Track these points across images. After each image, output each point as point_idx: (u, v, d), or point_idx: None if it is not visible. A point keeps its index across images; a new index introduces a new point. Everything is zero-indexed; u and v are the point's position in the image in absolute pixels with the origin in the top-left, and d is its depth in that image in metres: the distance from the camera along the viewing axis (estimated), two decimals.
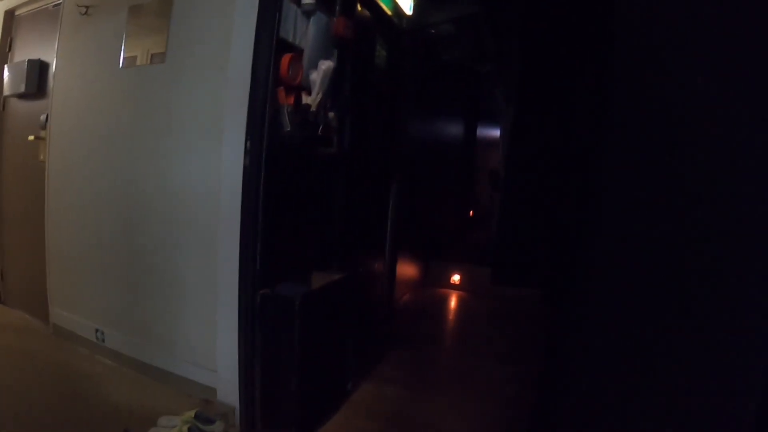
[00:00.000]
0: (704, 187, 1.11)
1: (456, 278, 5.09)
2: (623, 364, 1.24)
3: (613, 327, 1.26)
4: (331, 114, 2.45)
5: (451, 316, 4.44)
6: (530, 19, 3.15)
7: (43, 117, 3.20)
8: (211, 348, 2.43)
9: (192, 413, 2.13)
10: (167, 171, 2.57)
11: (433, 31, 3.62)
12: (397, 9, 3.44)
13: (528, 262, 2.68)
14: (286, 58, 2.17)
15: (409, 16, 3.55)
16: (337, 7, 2.54)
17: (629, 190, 1.30)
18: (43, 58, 3.32)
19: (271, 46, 2.15)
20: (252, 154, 2.11)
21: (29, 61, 3.31)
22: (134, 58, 2.75)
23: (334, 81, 2.40)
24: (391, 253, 3.69)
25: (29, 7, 3.56)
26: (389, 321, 3.79)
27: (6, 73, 3.49)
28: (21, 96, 3.39)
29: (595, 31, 2.18)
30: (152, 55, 2.68)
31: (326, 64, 2.27)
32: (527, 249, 2.56)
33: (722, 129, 1.07)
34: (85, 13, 3.03)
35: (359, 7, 2.87)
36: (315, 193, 2.53)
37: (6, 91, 3.49)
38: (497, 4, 3.26)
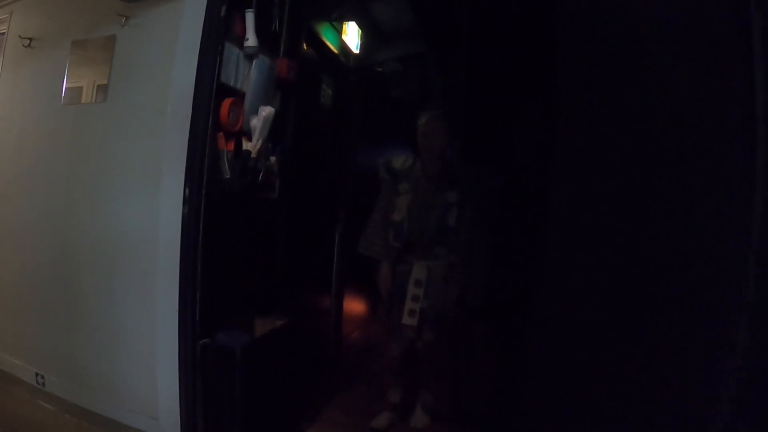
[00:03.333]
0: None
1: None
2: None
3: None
4: (272, 158, 2.42)
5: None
6: (475, 59, 3.21)
7: None
8: (153, 395, 2.36)
9: None
10: (106, 215, 2.51)
11: (379, 69, 3.63)
12: (343, 47, 3.44)
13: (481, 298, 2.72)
14: (226, 103, 2.14)
15: (355, 54, 3.57)
16: (281, 49, 2.52)
17: (575, 230, 1.38)
18: None
19: (211, 90, 2.12)
20: (191, 202, 2.06)
21: None
22: (76, 91, 2.68)
23: (277, 125, 2.37)
24: (338, 291, 3.70)
25: None
26: (337, 361, 3.76)
27: None
28: None
29: (539, 67, 2.28)
30: (96, 88, 2.62)
31: (267, 111, 2.24)
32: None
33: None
34: (28, 45, 2.95)
35: (304, 47, 2.86)
36: (256, 238, 2.50)
37: None
38: (442, 44, 3.30)
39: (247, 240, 2.41)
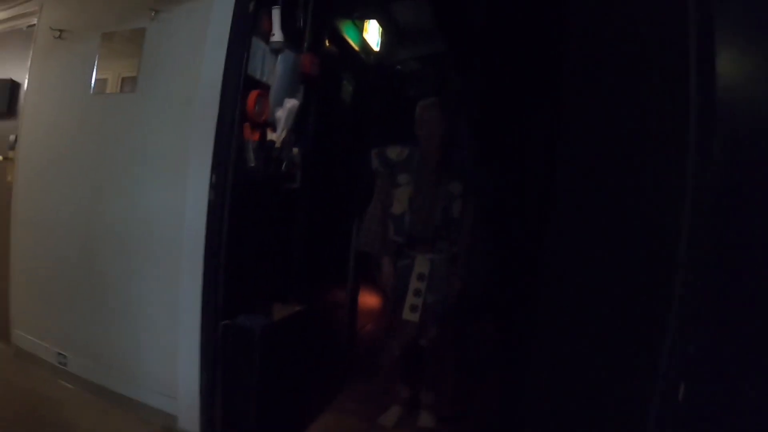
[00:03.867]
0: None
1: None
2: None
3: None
4: (295, 150, 2.52)
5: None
6: (490, 58, 3.29)
7: (12, 137, 3.21)
8: (173, 375, 2.45)
9: None
10: (132, 200, 2.61)
11: (399, 67, 3.73)
12: (364, 45, 3.53)
13: (483, 293, 2.77)
14: (252, 95, 2.23)
15: (376, 52, 3.66)
16: (305, 45, 2.61)
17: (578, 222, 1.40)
18: (14, 77, 3.33)
19: (238, 82, 2.21)
20: (217, 188, 2.15)
21: (1, 80, 3.31)
22: (105, 81, 2.79)
23: (300, 118, 2.46)
24: (354, 283, 3.76)
25: (3, 26, 3.56)
26: (350, 351, 3.83)
27: None
28: None
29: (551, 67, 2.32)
30: (123, 80, 2.72)
31: (291, 103, 2.33)
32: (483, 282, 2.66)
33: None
34: (59, 36, 3.05)
35: (327, 43, 2.95)
36: (277, 227, 2.59)
37: None
38: (459, 45, 3.39)
39: (269, 228, 2.50)
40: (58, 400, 2.73)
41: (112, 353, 2.72)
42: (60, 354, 2.92)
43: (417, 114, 2.63)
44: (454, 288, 2.60)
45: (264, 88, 2.34)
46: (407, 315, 2.56)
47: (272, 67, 2.39)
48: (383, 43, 3.68)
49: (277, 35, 2.36)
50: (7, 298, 3.19)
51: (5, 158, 3.24)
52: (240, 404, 2.26)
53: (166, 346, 2.47)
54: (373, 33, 3.62)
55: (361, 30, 3.51)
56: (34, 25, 3.29)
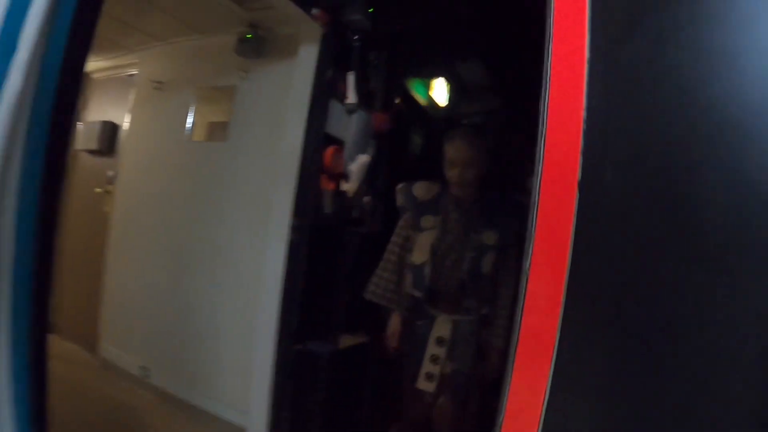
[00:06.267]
0: None
1: None
2: None
3: None
4: (366, 198, 2.84)
5: None
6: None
7: (110, 173, 3.66)
8: (245, 392, 2.75)
9: None
10: (219, 235, 2.98)
11: (464, 122, 3.95)
12: (431, 101, 3.84)
13: None
14: (329, 151, 2.58)
15: (442, 107, 3.94)
16: (377, 104, 2.95)
17: None
18: (114, 120, 3.79)
19: (318, 139, 2.56)
20: (297, 230, 2.49)
21: (103, 122, 3.78)
22: (199, 130, 3.21)
23: (371, 169, 2.79)
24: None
25: (105, 73, 4.05)
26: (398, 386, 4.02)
27: (80, 130, 3.97)
28: (92, 152, 3.85)
29: None
30: (213, 129, 3.13)
31: (363, 158, 2.67)
32: None
33: None
34: (157, 87, 3.50)
35: (397, 101, 3.27)
36: (348, 266, 2.88)
37: (78, 146, 3.96)
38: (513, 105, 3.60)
39: (340, 266, 2.82)
40: (139, 409, 3.06)
41: (191, 369, 3.06)
42: (143, 367, 3.28)
43: (446, 144, 2.23)
44: (480, 359, 2.19)
45: (339, 144, 2.68)
46: (422, 384, 2.17)
47: (347, 125, 2.73)
48: (450, 100, 3.96)
49: (351, 98, 2.70)
50: (97, 314, 3.60)
51: (104, 191, 3.69)
52: (305, 421, 2.56)
53: (242, 366, 2.79)
54: (440, 90, 3.87)
55: (428, 87, 3.80)
56: (134, 74, 3.77)
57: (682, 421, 0.79)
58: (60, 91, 1.37)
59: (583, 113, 0.82)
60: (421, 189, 2.33)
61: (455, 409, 2.23)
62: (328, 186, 2.60)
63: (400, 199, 2.36)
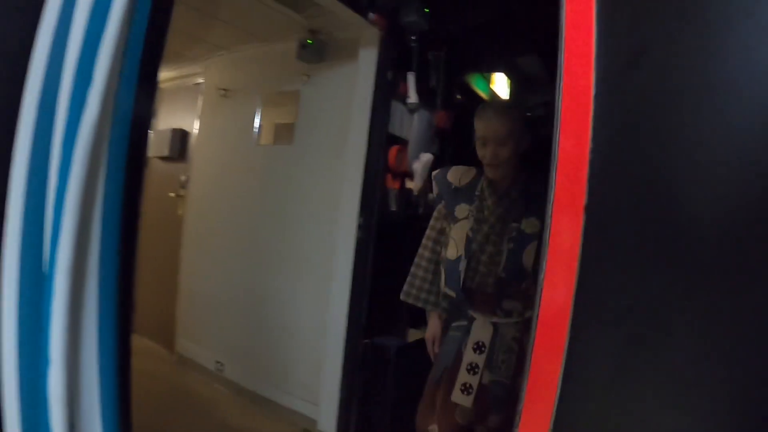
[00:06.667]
0: None
1: None
2: None
3: None
4: (430, 195, 2.90)
5: None
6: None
7: (183, 177, 3.85)
8: (315, 384, 2.87)
9: None
10: (289, 234, 3.10)
11: (529, 114, 3.93)
12: (493, 95, 3.86)
13: None
14: (393, 150, 2.65)
15: (505, 100, 3.95)
16: (438, 103, 3.01)
17: None
18: (184, 127, 3.99)
19: (381, 139, 2.64)
20: (364, 228, 2.58)
21: (173, 129, 3.99)
22: (266, 134, 3.36)
23: (435, 167, 2.84)
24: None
25: (172, 83, 4.26)
26: None
27: (152, 138, 4.18)
28: (164, 158, 4.06)
29: None
30: (283, 132, 3.26)
31: (426, 157, 2.73)
32: None
33: None
34: (224, 94, 3.67)
35: (458, 97, 3.30)
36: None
37: (151, 153, 4.18)
38: None
39: (407, 262, 2.89)
40: (213, 400, 3.24)
41: (264, 363, 3.20)
42: (218, 362, 3.45)
43: (477, 120, 1.91)
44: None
45: (403, 143, 2.75)
46: (457, 397, 1.87)
47: (410, 124, 2.80)
48: (512, 92, 3.97)
49: (412, 97, 2.77)
50: (174, 312, 3.80)
51: (177, 195, 3.89)
52: (373, 411, 2.64)
53: (313, 359, 2.91)
54: (500, 83, 3.90)
55: (489, 82, 3.82)
56: (201, 83, 3.95)
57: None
58: (136, 105, 1.49)
59: (589, 143, 0.87)
60: (456, 174, 2.04)
61: (499, 426, 1.89)
62: (393, 185, 2.68)
63: (435, 187, 2.11)
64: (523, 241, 1.83)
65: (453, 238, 1.95)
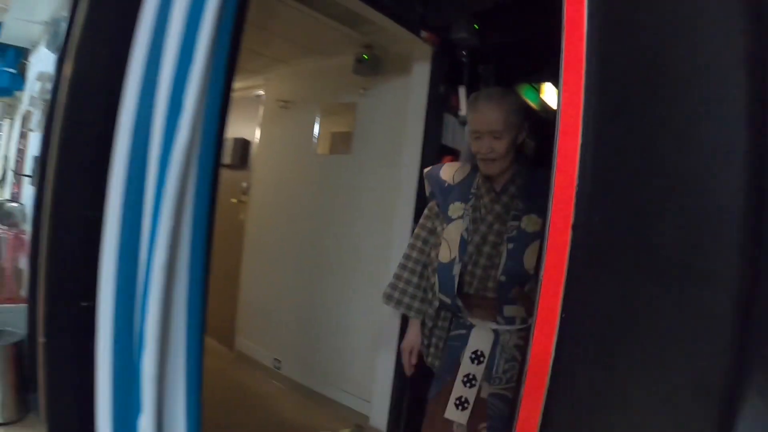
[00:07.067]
0: None
1: None
2: None
3: None
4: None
5: None
6: None
7: (244, 184, 4.08)
8: (368, 381, 3.01)
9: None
10: (344, 239, 3.27)
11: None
12: (543, 104, 3.94)
13: None
14: (446, 160, 2.77)
15: (554, 110, 3.96)
16: None
17: None
18: (246, 136, 4.22)
19: (434, 150, 2.77)
20: None
21: (235, 138, 4.22)
22: (324, 144, 3.55)
23: None
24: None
25: (235, 94, 4.47)
26: None
27: None
28: (227, 166, 4.30)
29: None
30: (341, 142, 3.44)
31: None
32: None
33: None
34: (283, 106, 3.87)
35: None
36: None
37: None
38: None
39: None
40: (270, 395, 3.44)
41: (319, 361, 3.37)
42: (275, 359, 3.65)
43: (468, 111, 1.81)
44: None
45: (455, 154, 2.87)
46: (451, 413, 1.70)
47: (461, 136, 2.92)
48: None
49: (463, 110, 2.88)
50: (234, 312, 4.03)
51: (239, 201, 4.12)
52: (423, 410, 2.76)
53: (366, 358, 3.06)
54: (550, 93, 3.95)
55: (539, 91, 3.90)
56: (261, 95, 4.18)
57: None
58: (218, 123, 1.67)
59: (576, 176, 1.00)
60: (450, 170, 1.90)
61: None
62: None
63: (427, 186, 1.97)
64: (524, 240, 1.65)
65: (446, 240, 1.78)
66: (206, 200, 1.69)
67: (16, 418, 2.56)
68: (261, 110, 4.13)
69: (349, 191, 3.27)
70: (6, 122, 5.57)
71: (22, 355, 2.61)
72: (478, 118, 1.69)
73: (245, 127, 4.23)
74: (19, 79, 4.78)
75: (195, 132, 1.54)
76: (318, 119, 3.60)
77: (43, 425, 1.82)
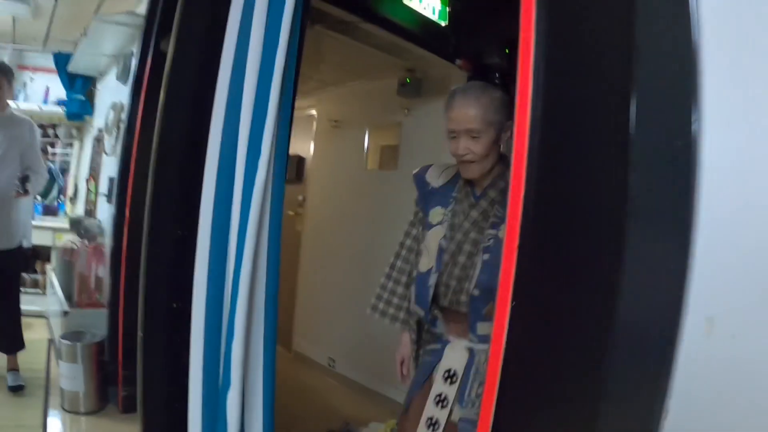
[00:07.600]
0: None
1: None
2: None
3: None
4: None
5: None
6: None
7: (300, 197, 4.42)
8: None
9: (394, 422, 2.81)
10: (391, 247, 3.38)
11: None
12: None
13: None
14: None
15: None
16: None
17: None
18: (301, 153, 4.56)
19: None
20: None
21: (291, 155, 4.57)
22: (373, 160, 3.85)
23: None
24: None
25: None
26: None
27: None
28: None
29: None
30: (389, 159, 3.72)
31: None
32: None
33: None
34: (334, 125, 4.20)
35: None
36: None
37: None
38: None
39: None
40: (326, 391, 3.73)
41: (372, 359, 3.62)
42: (330, 358, 3.95)
43: (446, 110, 1.64)
44: None
45: None
46: None
47: None
48: None
49: None
50: (292, 315, 4.36)
51: (296, 213, 4.47)
52: None
53: None
54: None
55: None
56: (314, 114, 4.51)
57: None
58: (287, 142, 1.96)
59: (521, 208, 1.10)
60: (435, 172, 1.78)
61: None
62: None
63: (416, 189, 1.87)
64: (501, 251, 1.32)
65: (426, 248, 1.66)
66: (278, 216, 1.99)
67: (97, 408, 2.93)
68: (314, 128, 4.46)
69: (396, 203, 3.52)
70: (77, 143, 5.97)
71: (102, 353, 2.97)
72: (453, 115, 1.57)
73: (300, 143, 4.57)
74: (87, 106, 5.15)
75: (272, 152, 1.83)
76: (366, 137, 3.90)
77: (138, 402, 2.17)
